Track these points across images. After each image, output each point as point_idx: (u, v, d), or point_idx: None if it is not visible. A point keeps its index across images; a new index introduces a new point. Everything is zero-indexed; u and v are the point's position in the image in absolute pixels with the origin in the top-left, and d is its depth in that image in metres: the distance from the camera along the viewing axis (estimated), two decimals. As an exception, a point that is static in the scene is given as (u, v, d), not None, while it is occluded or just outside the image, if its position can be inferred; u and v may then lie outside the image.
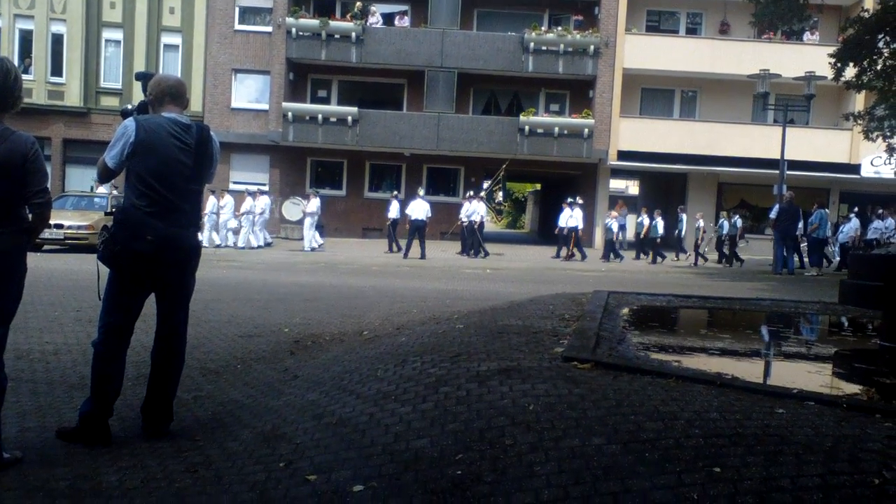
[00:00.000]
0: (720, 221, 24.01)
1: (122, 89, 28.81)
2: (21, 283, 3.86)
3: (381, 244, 24.89)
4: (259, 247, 23.28)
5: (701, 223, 23.77)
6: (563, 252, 23.22)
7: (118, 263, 4.09)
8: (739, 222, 23.71)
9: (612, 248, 23.55)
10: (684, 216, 24.92)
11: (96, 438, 4.11)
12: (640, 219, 24.30)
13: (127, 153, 4.08)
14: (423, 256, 21.44)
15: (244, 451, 3.94)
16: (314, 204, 23.32)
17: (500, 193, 24.18)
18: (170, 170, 4.13)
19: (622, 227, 25.02)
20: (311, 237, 23.11)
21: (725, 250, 23.47)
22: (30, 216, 3.85)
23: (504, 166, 25.34)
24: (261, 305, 9.91)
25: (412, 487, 3.19)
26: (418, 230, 21.87)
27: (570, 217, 23.17)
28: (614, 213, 24.35)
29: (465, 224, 23.13)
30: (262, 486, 3.44)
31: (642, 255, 24.39)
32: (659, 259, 23.50)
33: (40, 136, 28.71)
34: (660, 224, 23.79)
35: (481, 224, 23.31)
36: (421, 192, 23.79)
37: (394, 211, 23.77)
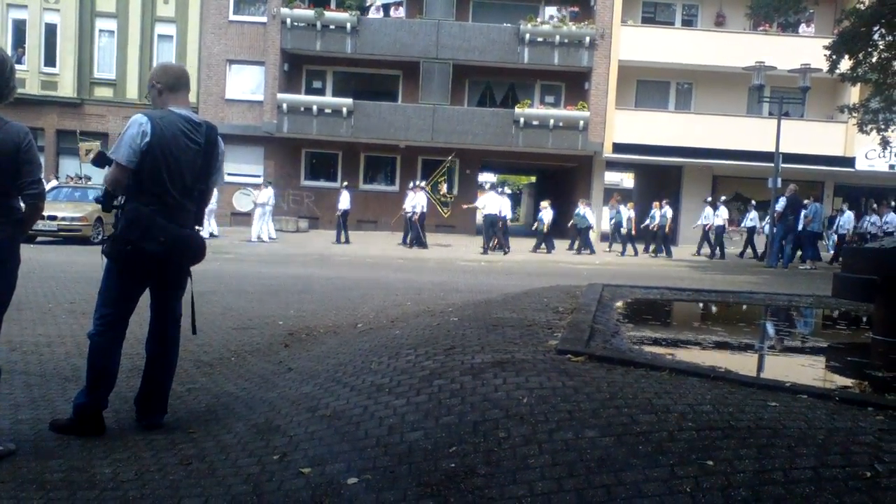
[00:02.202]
0: (651, 212, 24.14)
1: (115, 80, 28.74)
2: (14, 275, 3.85)
3: (378, 236, 24.91)
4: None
5: (632, 214, 23.92)
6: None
7: (127, 261, 4.03)
8: (669, 213, 23.86)
9: (545, 240, 23.42)
10: (621, 207, 24.83)
11: (91, 430, 4.10)
12: (578, 210, 24.08)
13: (142, 149, 3.96)
14: (502, 250, 21.43)
15: (238, 443, 3.94)
16: (265, 195, 23.17)
17: (445, 185, 24.02)
18: (180, 169, 4.09)
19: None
20: (259, 228, 22.82)
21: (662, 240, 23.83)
22: (23, 207, 3.83)
23: (450, 158, 25.12)
24: (255, 297, 9.90)
25: (406, 480, 3.19)
26: (493, 225, 21.79)
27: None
28: (545, 204, 24.19)
29: (408, 214, 23.11)
30: (256, 478, 3.44)
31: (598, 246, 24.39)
32: (585, 250, 23.18)
33: (34, 126, 28.60)
34: (589, 215, 23.61)
35: (422, 215, 23.26)
36: (492, 184, 23.68)
37: (344, 202, 23.74)
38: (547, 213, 23.32)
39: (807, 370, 5.47)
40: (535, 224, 23.68)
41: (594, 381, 3.99)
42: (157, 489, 3.38)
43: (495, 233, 21.85)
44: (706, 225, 23.70)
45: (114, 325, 4.16)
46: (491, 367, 4.40)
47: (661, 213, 23.70)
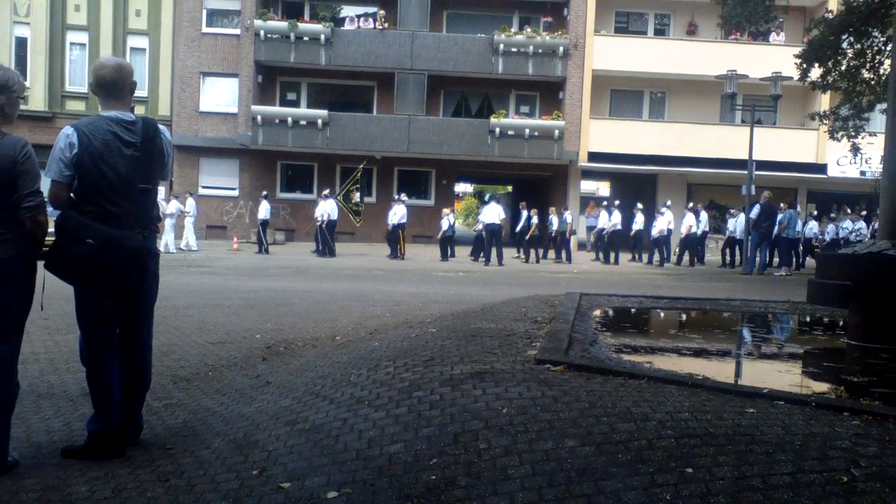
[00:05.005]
0: (549, 217, 24.28)
1: (87, 93, 28.43)
2: (28, 294, 3.83)
3: (353, 247, 24.88)
4: None
5: (535, 219, 24.03)
6: (399, 250, 22.99)
7: (62, 269, 3.92)
8: (569, 218, 24.10)
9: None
10: (524, 213, 24.92)
11: (108, 453, 3.98)
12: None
13: (74, 161, 3.87)
14: (500, 262, 21.32)
15: (216, 459, 3.91)
16: (173, 205, 23.06)
17: (358, 194, 23.98)
18: (117, 173, 3.94)
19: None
20: (168, 240, 22.50)
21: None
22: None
23: (361, 166, 24.95)
24: (232, 311, 9.84)
25: (386, 493, 3.18)
26: (494, 234, 21.71)
27: (394, 214, 23.10)
28: (446, 211, 24.22)
29: (319, 223, 23.15)
30: (235, 494, 3.41)
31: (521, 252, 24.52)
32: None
33: (4, 141, 28.26)
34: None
35: (331, 223, 23.26)
36: (488, 195, 23.68)
37: (263, 211, 23.80)
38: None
39: (783, 376, 5.51)
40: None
41: (573, 391, 4.00)
42: (134, 507, 3.34)
43: (496, 243, 21.78)
44: (602, 229, 24.03)
45: (99, 345, 4.04)
46: (470, 377, 4.40)
47: (559, 219, 23.90)
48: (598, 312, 7.97)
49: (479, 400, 4.00)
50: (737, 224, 23.18)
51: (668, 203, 25.28)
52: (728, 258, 23.62)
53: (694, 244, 23.50)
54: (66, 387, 5.53)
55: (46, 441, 4.28)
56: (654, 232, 23.69)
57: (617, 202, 25.26)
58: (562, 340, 5.42)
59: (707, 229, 24.19)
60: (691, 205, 24.72)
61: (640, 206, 25.13)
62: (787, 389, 4.39)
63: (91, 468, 3.83)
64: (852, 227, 22.79)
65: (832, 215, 24.69)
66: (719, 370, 5.62)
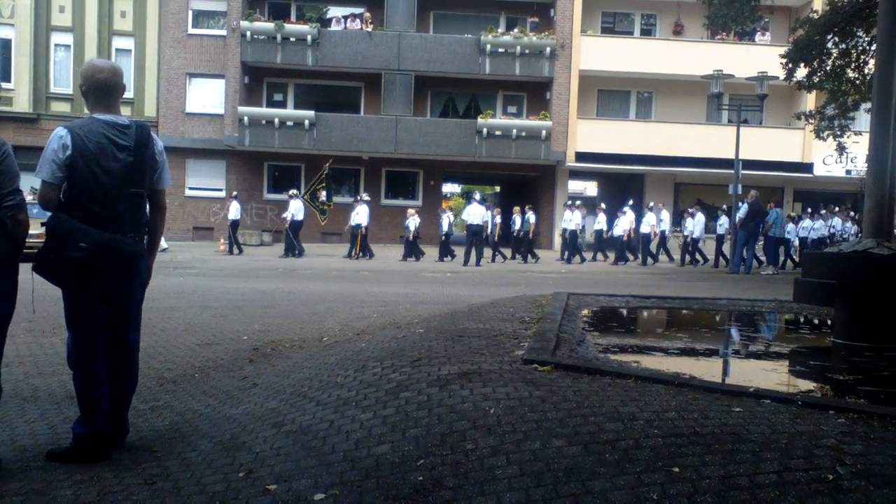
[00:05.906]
0: (512, 217, 24.29)
1: (72, 95, 28.30)
2: (11, 293, 3.84)
3: (341, 249, 24.82)
4: None
5: (498, 219, 23.97)
6: (354, 251, 22.88)
7: (54, 274, 3.90)
8: (532, 219, 24.04)
9: (529, 248, 23.67)
10: (489, 213, 24.85)
11: (94, 457, 3.94)
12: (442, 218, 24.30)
13: (67, 163, 3.82)
14: (478, 264, 21.30)
15: (203, 461, 3.89)
16: None
17: (324, 193, 23.75)
18: (109, 176, 3.92)
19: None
20: None
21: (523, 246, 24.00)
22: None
23: (327, 165, 24.74)
24: (218, 313, 9.80)
25: (374, 494, 3.17)
26: (475, 235, 21.65)
27: (357, 214, 23.02)
28: (410, 211, 24.19)
29: (288, 223, 23.10)
30: (221, 496, 3.39)
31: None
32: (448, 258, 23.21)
33: (-11, 142, 28.08)
34: (445, 222, 23.78)
35: (294, 224, 23.12)
36: (477, 195, 23.61)
37: (233, 212, 23.73)
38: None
39: (769, 375, 5.54)
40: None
41: (561, 391, 4.00)
42: (119, 510, 3.32)
43: (474, 245, 21.74)
44: (565, 229, 24.06)
45: (87, 349, 4.00)
46: (458, 378, 4.39)
47: (523, 218, 23.88)
48: (585, 312, 7.99)
49: (466, 400, 3.99)
50: (695, 224, 23.38)
51: (630, 202, 25.47)
52: (688, 258, 23.73)
53: (649, 243, 23.64)
54: (51, 390, 5.49)
55: (31, 444, 4.25)
56: (617, 231, 23.82)
57: (578, 202, 25.34)
58: (549, 340, 5.42)
59: (668, 228, 24.38)
60: (651, 204, 24.84)
61: (602, 205, 25.26)
62: (773, 388, 4.41)
63: (76, 471, 3.80)
64: (811, 224, 23.18)
65: (791, 214, 24.98)
66: (706, 369, 5.64)
